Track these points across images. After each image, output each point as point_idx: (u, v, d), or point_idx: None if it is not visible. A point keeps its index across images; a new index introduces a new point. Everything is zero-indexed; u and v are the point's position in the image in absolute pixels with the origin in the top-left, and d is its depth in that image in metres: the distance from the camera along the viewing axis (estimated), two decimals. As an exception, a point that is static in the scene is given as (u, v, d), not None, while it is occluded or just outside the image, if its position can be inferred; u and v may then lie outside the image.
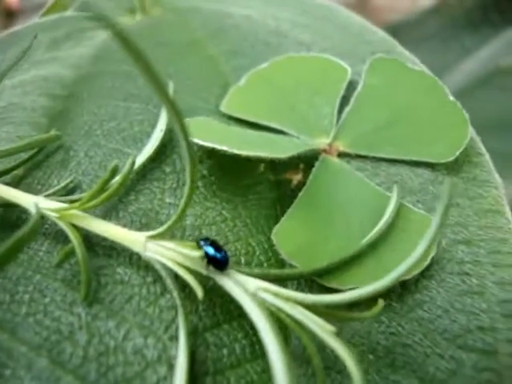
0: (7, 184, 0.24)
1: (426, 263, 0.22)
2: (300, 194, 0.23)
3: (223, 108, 0.28)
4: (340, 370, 0.20)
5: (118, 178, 0.21)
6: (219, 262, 0.19)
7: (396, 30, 0.68)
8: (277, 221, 0.23)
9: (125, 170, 0.21)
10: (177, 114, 0.15)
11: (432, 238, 0.17)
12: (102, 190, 0.20)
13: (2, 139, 0.28)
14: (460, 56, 0.60)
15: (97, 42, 0.35)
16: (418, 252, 0.18)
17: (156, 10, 0.39)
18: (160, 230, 0.19)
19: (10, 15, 0.85)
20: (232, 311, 0.20)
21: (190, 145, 0.16)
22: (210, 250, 0.19)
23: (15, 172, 0.26)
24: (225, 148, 0.21)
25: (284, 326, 0.19)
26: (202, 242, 0.20)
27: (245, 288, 0.18)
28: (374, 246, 0.22)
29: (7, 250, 0.16)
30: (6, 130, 0.28)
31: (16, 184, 0.25)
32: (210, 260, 0.19)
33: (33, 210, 0.20)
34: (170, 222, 0.19)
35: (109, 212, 0.23)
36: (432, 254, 0.22)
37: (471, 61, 0.58)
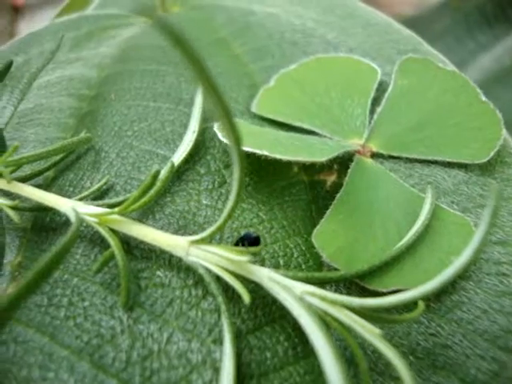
0: (39, 186, 0.25)
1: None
2: (338, 196, 0.23)
3: (254, 109, 0.28)
4: (381, 371, 0.20)
5: (157, 183, 0.21)
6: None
7: (409, 27, 0.67)
8: (312, 222, 0.23)
9: (164, 173, 0.21)
10: (226, 112, 0.15)
11: (479, 244, 0.17)
12: (143, 194, 0.20)
13: (32, 141, 0.27)
14: (474, 53, 0.59)
15: (119, 42, 0.35)
16: (464, 258, 0.18)
17: (177, 8, 0.39)
18: (203, 235, 0.19)
19: (16, 10, 0.85)
20: (273, 313, 0.20)
21: (240, 152, 0.16)
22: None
23: (47, 173, 0.25)
24: (266, 153, 0.21)
25: (327, 328, 0.19)
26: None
27: (291, 292, 0.18)
28: (411, 247, 0.22)
29: (53, 258, 0.16)
30: (34, 131, 0.28)
31: (48, 186, 0.25)
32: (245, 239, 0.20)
33: (72, 216, 0.20)
34: (213, 228, 0.19)
35: (145, 214, 0.23)
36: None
37: (486, 58, 0.57)
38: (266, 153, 0.21)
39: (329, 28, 0.33)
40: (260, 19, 0.34)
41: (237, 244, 0.21)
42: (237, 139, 0.16)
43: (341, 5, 0.35)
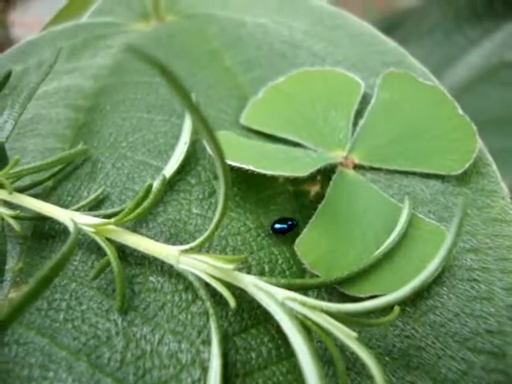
0: (39, 195, 0.26)
1: (438, 271, 0.23)
2: (320, 206, 0.24)
3: (243, 120, 0.29)
4: (359, 371, 0.21)
5: (150, 195, 0.22)
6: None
7: (400, 22, 0.68)
8: (297, 230, 0.25)
9: (157, 186, 0.22)
10: (213, 138, 0.16)
11: (447, 251, 0.19)
12: (137, 206, 0.21)
13: (31, 151, 0.29)
14: (463, 48, 0.59)
15: (114, 52, 0.36)
16: (435, 264, 0.19)
17: (170, 17, 0.40)
18: (192, 244, 0.20)
19: (8, 0, 0.84)
20: (258, 316, 0.22)
21: (224, 164, 0.17)
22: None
23: (46, 184, 0.27)
24: (251, 168, 0.23)
25: (308, 331, 0.20)
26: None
27: (274, 298, 0.19)
28: (389, 255, 0.23)
29: (54, 267, 0.17)
30: (33, 141, 0.29)
31: (47, 195, 0.27)
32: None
33: (70, 226, 0.22)
34: (202, 238, 0.20)
35: (139, 223, 0.24)
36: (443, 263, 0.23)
37: (475, 54, 0.57)
38: (251, 167, 0.23)
39: (317, 39, 0.34)
40: (250, 30, 0.35)
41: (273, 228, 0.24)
42: (221, 157, 0.17)
43: (330, 15, 0.36)
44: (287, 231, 0.24)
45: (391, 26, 0.65)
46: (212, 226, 0.20)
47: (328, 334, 0.19)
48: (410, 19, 0.67)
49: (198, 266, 0.20)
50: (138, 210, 0.21)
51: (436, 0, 0.66)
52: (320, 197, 0.26)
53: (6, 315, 0.16)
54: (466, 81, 0.54)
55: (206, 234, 0.20)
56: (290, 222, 0.25)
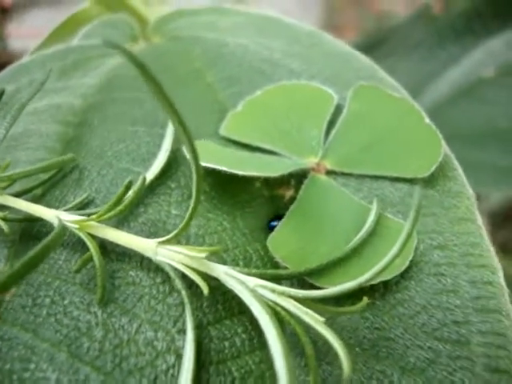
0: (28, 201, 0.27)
1: (405, 266, 0.24)
2: (292, 207, 0.26)
3: (222, 131, 0.31)
4: (330, 361, 0.22)
5: (130, 193, 0.23)
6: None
7: (386, 38, 0.71)
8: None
9: (137, 185, 0.23)
10: (188, 136, 0.18)
11: (405, 238, 0.20)
12: (117, 203, 0.23)
13: (22, 162, 0.30)
14: (446, 64, 0.62)
15: (103, 72, 0.38)
16: (394, 251, 0.21)
17: (157, 38, 0.43)
18: (169, 236, 0.22)
19: (4, 12, 0.87)
20: (233, 308, 0.23)
21: (197, 163, 0.19)
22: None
23: (35, 191, 0.28)
24: (224, 168, 0.24)
25: (280, 321, 0.21)
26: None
27: (245, 285, 0.20)
28: (357, 250, 0.24)
29: (35, 256, 0.18)
30: (24, 154, 0.31)
31: (36, 202, 0.28)
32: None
33: (55, 222, 0.23)
34: (177, 230, 0.22)
35: (121, 222, 0.26)
36: (410, 258, 0.24)
37: (456, 70, 0.60)
38: (224, 168, 0.25)
39: (294, 57, 0.36)
40: (231, 50, 0.38)
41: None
42: (195, 155, 0.18)
43: (307, 36, 0.38)
44: None
45: (379, 40, 0.67)
46: (185, 219, 0.21)
47: (297, 319, 0.20)
48: (398, 34, 0.70)
49: (174, 257, 0.22)
50: (119, 207, 0.23)
51: (419, 18, 0.69)
52: (294, 201, 0.27)
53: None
54: (447, 95, 0.56)
55: (181, 225, 0.21)
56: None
